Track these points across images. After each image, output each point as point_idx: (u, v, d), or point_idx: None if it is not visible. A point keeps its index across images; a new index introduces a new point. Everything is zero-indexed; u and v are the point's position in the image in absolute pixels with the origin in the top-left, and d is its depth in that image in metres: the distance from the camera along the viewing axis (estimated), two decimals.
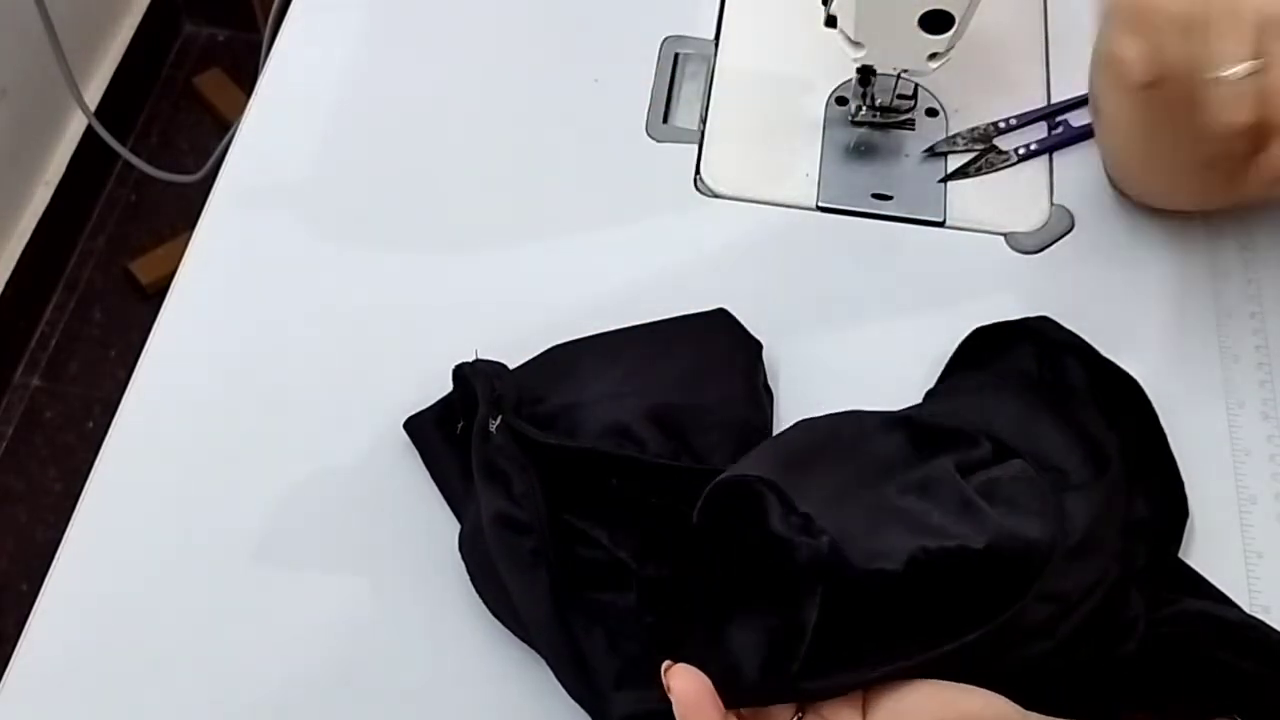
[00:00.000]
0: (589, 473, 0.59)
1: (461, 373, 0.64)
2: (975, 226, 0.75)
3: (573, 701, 0.58)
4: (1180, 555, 0.62)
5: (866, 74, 0.76)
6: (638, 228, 0.75)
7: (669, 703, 0.49)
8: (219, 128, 1.76)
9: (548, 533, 0.58)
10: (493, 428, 0.60)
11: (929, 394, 0.67)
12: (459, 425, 0.63)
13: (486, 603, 0.61)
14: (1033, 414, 0.61)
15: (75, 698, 0.60)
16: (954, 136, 0.78)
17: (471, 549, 0.61)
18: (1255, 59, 0.60)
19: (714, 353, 0.67)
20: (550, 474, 0.59)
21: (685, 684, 0.49)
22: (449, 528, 0.63)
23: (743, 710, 0.50)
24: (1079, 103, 0.78)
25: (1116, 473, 0.59)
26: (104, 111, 1.62)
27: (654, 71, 0.82)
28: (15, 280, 1.61)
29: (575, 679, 0.58)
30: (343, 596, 0.63)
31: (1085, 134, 0.77)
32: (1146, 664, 0.56)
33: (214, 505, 0.65)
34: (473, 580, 0.61)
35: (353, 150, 0.78)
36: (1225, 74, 0.60)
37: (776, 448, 0.59)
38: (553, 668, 0.58)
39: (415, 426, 0.65)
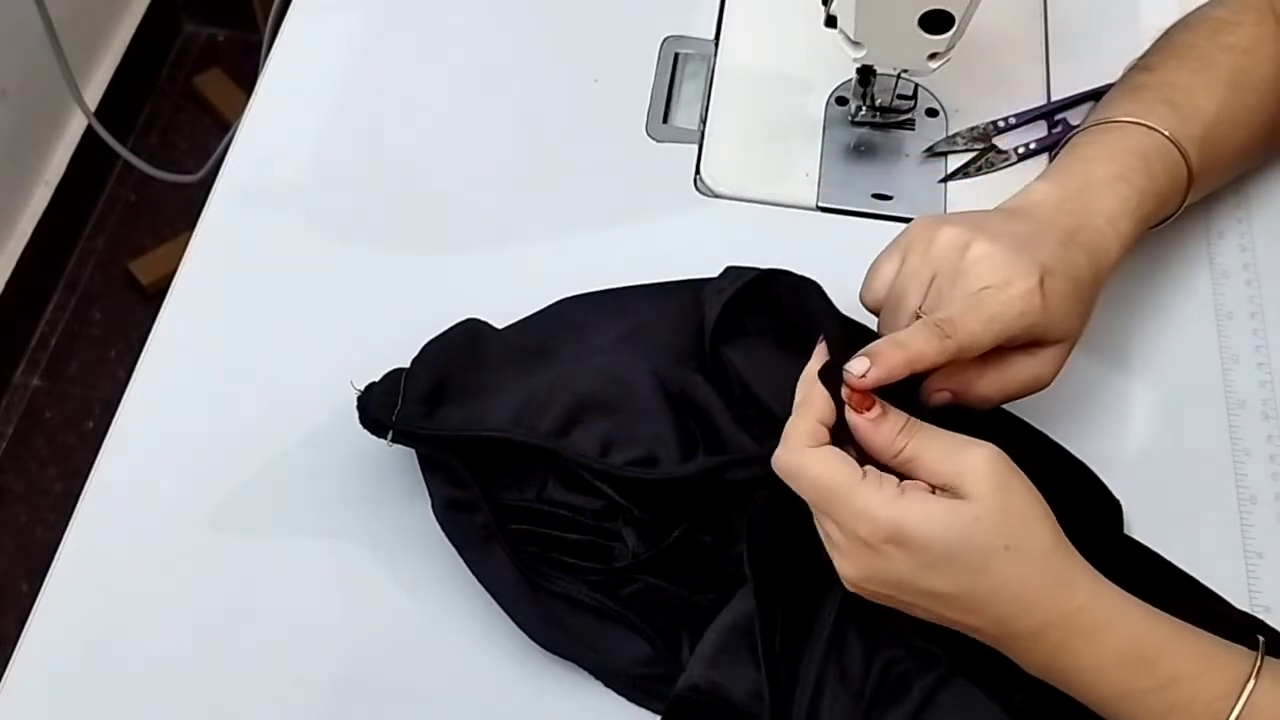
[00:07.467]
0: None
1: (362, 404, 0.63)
2: None
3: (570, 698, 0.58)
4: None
5: (866, 74, 0.76)
6: (638, 228, 0.75)
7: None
8: (219, 128, 1.76)
9: (492, 508, 0.60)
10: (388, 444, 0.61)
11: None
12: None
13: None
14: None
15: (75, 698, 0.60)
16: (954, 136, 0.78)
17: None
18: None
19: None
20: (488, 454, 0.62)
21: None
22: None
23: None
24: (1078, 101, 0.78)
25: None
26: (104, 111, 1.62)
27: (654, 71, 0.82)
28: (15, 280, 1.60)
29: (550, 636, 0.60)
30: (344, 594, 0.63)
31: None
32: None
33: (213, 505, 0.65)
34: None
35: (353, 150, 0.78)
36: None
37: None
38: (525, 629, 0.59)
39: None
